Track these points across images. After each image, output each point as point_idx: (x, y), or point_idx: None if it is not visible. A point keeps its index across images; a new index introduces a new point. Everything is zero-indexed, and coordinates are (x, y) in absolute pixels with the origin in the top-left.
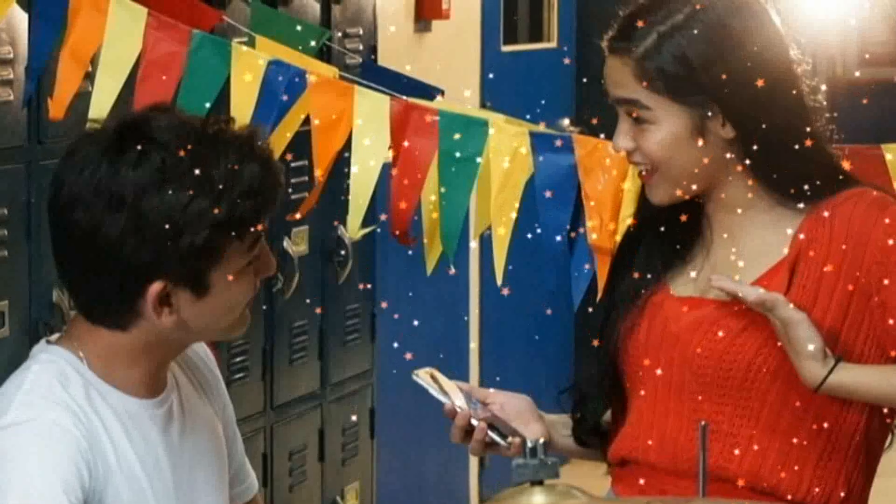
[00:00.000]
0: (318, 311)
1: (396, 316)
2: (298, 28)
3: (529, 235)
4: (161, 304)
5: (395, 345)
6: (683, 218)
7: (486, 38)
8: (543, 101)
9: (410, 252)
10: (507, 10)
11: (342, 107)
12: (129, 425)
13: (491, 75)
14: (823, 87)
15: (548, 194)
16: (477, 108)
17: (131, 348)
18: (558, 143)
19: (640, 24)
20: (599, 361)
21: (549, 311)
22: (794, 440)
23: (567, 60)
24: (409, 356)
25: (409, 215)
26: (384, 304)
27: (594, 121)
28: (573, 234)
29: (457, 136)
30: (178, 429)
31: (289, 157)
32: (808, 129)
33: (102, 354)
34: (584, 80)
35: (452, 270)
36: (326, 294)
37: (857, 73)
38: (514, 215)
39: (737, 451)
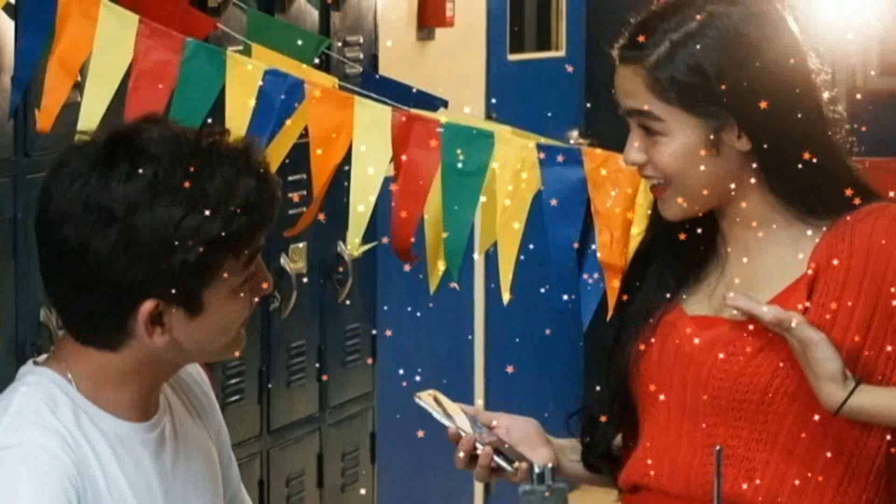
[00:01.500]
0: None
1: (398, 336)
2: (296, 36)
3: (536, 251)
4: (153, 323)
5: (398, 368)
6: (697, 234)
7: (492, 46)
8: (551, 112)
9: (412, 269)
10: (513, 18)
11: (342, 118)
12: (120, 450)
13: (497, 85)
14: (838, 97)
15: (556, 208)
16: (482, 119)
17: (122, 369)
18: (564, 156)
19: (651, 31)
20: (610, 383)
21: (556, 331)
22: (813, 465)
23: (570, 68)
24: (411, 377)
25: (412, 231)
26: (386, 324)
27: (603, 132)
28: (582, 250)
29: (461, 149)
30: (170, 453)
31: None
32: (827, 142)
33: (92, 376)
34: (594, 90)
35: (453, 285)
36: (325, 313)
37: (878, 84)
38: (520, 231)
39: (753, 477)
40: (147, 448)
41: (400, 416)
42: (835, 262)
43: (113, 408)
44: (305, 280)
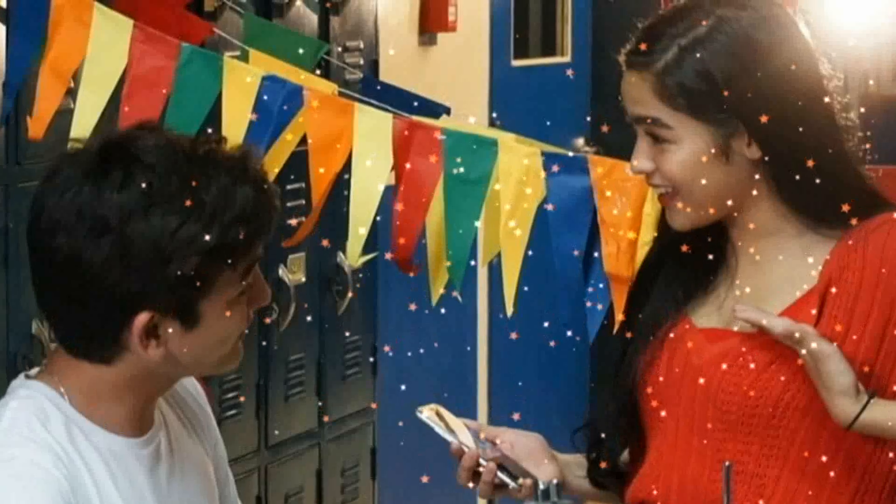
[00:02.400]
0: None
1: (399, 349)
2: (295, 42)
3: (541, 261)
4: (148, 336)
5: (399, 381)
6: (706, 244)
7: (495, 51)
8: (556, 120)
9: (414, 280)
10: (517, 23)
11: (341, 125)
12: (114, 466)
13: (500, 92)
14: (851, 104)
15: (561, 218)
16: (485, 126)
17: (116, 383)
18: (570, 164)
19: (659, 36)
20: (616, 398)
21: (561, 344)
22: (825, 481)
23: (571, 72)
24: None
25: (413, 241)
26: (386, 337)
27: (610, 140)
28: (588, 261)
29: (464, 157)
30: (166, 470)
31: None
32: (840, 150)
33: (85, 390)
34: (600, 96)
35: (455, 294)
36: (325, 325)
37: (892, 90)
38: (524, 241)
39: (764, 494)
40: (142, 464)
41: (401, 431)
42: (847, 272)
43: (107, 423)
44: (304, 291)
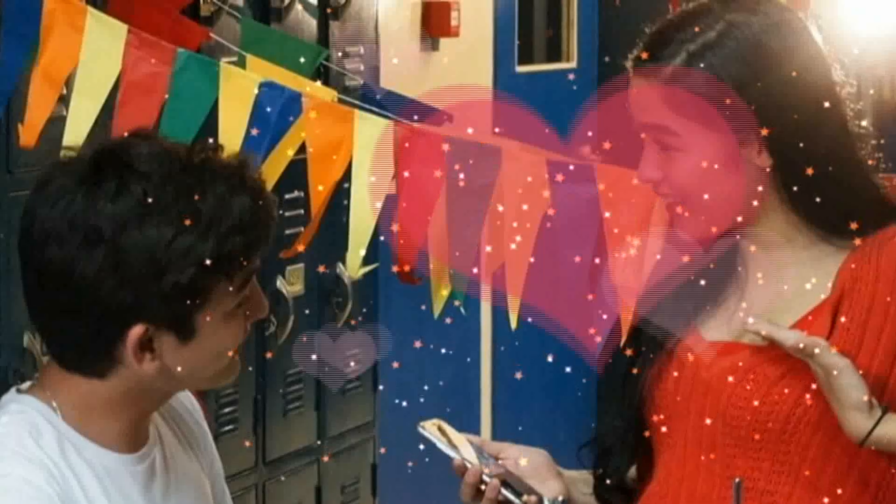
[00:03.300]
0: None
1: (400, 363)
2: (293, 47)
3: (545, 272)
4: (142, 349)
5: (401, 396)
6: (715, 255)
7: (500, 57)
8: (562, 127)
9: (416, 292)
10: (522, 28)
11: (341, 133)
12: (108, 483)
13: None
14: (864, 111)
15: (566, 228)
16: (489, 134)
17: (110, 398)
18: (576, 173)
19: (667, 42)
20: (623, 412)
21: (567, 357)
22: (838, 499)
23: (572, 77)
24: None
25: (415, 252)
26: (388, 351)
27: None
28: (594, 272)
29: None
30: (161, 486)
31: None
32: (853, 158)
33: (78, 405)
34: (607, 103)
35: (457, 303)
36: None
37: None
38: (529, 251)
39: None
40: (136, 481)
41: (402, 446)
42: (860, 284)
43: (100, 438)
44: (303, 303)
